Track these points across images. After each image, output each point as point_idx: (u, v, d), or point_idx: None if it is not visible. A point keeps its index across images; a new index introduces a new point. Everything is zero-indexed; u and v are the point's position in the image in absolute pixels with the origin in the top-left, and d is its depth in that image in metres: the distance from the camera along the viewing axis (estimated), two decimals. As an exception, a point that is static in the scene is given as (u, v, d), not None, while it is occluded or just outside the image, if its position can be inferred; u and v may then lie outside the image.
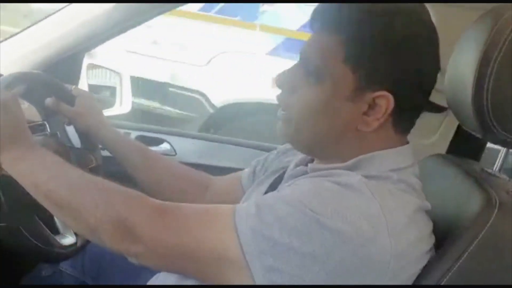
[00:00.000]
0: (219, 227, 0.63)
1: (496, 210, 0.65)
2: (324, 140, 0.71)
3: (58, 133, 1.08)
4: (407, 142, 0.73)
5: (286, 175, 0.80)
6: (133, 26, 1.19)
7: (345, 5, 0.68)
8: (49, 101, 1.02)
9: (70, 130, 1.10)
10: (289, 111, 0.73)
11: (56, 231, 0.92)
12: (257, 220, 0.61)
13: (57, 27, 1.14)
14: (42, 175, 0.72)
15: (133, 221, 0.64)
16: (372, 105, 0.67)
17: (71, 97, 1.05)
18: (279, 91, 0.75)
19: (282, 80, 0.74)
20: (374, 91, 0.66)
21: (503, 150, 0.83)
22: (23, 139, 0.74)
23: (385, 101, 0.66)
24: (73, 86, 1.07)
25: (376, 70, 0.66)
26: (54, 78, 1.03)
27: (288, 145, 0.93)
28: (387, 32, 0.65)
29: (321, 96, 0.68)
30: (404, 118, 0.70)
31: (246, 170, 1.00)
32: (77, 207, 0.68)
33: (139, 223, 0.64)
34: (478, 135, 0.74)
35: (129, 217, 0.65)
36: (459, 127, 1.19)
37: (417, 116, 0.72)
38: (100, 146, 1.10)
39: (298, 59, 0.73)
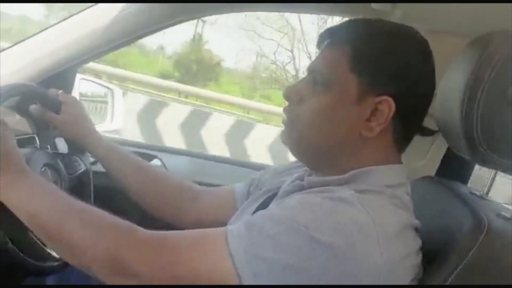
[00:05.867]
0: (213, 254, 0.63)
1: (485, 232, 0.65)
2: (327, 145, 0.73)
3: (49, 147, 1.07)
4: (401, 163, 0.75)
5: (280, 191, 0.79)
6: (129, 42, 1.20)
7: (350, 23, 0.75)
8: (33, 108, 0.99)
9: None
10: (296, 120, 0.75)
11: None
12: (248, 241, 0.61)
13: (51, 42, 1.14)
14: (32, 206, 0.69)
15: (124, 257, 0.64)
16: (374, 111, 0.70)
17: (56, 104, 1.02)
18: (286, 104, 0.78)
19: (290, 93, 0.77)
20: (377, 96, 0.70)
21: (491, 172, 0.84)
22: (13, 165, 0.72)
23: (387, 106, 0.70)
24: (60, 91, 1.04)
25: (379, 76, 0.70)
26: (39, 86, 1.01)
27: (283, 166, 0.94)
28: (389, 43, 0.71)
29: (329, 101, 0.72)
30: (403, 129, 0.73)
31: (241, 185, 0.99)
32: (67, 243, 0.67)
33: (131, 259, 0.64)
34: (467, 157, 0.75)
35: (121, 254, 0.64)
36: (448, 150, 1.21)
37: (413, 133, 0.75)
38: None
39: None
